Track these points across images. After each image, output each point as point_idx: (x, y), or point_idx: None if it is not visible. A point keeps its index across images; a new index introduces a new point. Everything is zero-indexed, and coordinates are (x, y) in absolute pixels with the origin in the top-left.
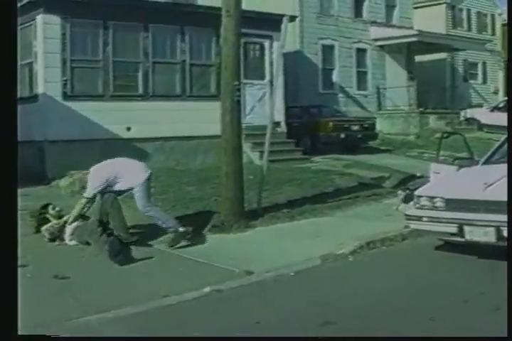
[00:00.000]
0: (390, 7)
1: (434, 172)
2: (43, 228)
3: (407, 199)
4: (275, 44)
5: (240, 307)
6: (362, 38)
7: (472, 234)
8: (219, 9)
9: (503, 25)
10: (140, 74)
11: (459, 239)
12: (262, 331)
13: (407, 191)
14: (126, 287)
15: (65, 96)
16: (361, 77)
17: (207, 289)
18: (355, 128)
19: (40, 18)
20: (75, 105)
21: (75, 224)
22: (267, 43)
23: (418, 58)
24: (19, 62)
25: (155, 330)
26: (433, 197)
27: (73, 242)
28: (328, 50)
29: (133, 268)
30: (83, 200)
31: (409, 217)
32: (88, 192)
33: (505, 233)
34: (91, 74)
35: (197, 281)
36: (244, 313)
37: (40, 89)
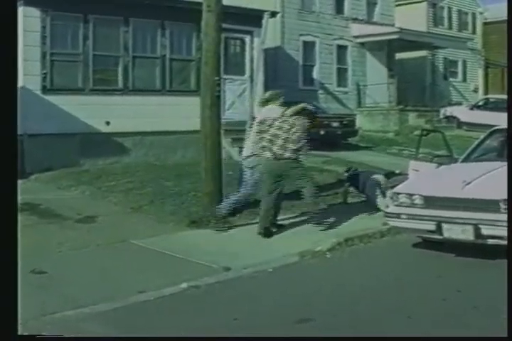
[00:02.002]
0: (371, 4)
1: (413, 169)
2: None
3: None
4: (256, 40)
5: (217, 304)
6: (343, 35)
7: (450, 232)
8: (200, 4)
9: (484, 23)
10: (120, 69)
11: (437, 236)
12: (239, 327)
13: (351, 171)
14: (103, 282)
15: (45, 89)
16: (341, 73)
17: (184, 285)
18: (335, 124)
19: (20, 10)
20: (54, 99)
21: None
22: (247, 39)
23: (399, 56)
24: None
25: (132, 326)
26: (412, 195)
27: None
28: (308, 47)
29: (110, 263)
30: None
31: (387, 214)
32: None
33: (483, 231)
34: (71, 68)
35: (174, 277)
36: (221, 309)
37: (19, 82)
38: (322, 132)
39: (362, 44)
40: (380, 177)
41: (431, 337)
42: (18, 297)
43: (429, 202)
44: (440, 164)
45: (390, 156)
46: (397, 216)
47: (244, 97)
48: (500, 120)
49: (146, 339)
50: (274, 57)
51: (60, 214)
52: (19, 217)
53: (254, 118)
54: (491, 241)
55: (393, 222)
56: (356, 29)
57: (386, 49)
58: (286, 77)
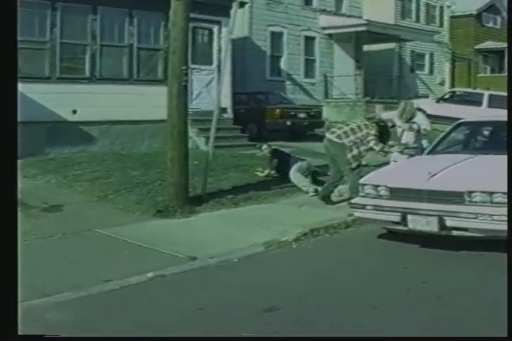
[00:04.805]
0: None
1: (394, 160)
2: None
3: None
4: (224, 29)
5: (182, 293)
6: (311, 26)
7: (415, 223)
8: None
9: (452, 17)
10: (87, 57)
11: (401, 227)
12: (204, 317)
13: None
14: (69, 271)
15: None
16: (309, 64)
17: (150, 274)
18: (302, 115)
19: None
20: (20, 87)
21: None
22: (215, 29)
23: (366, 48)
24: None
25: (97, 315)
26: (377, 186)
27: None
28: (276, 37)
29: (76, 252)
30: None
31: (353, 205)
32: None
33: (447, 222)
34: (38, 56)
35: (140, 266)
36: (187, 299)
37: None
38: (288, 123)
39: (330, 35)
40: (303, 164)
41: (431, 337)
42: (18, 297)
43: (395, 193)
44: (410, 155)
45: None
46: (363, 207)
47: (211, 87)
48: (465, 113)
49: (146, 339)
50: (241, 48)
51: (25, 202)
52: None
53: None
54: (455, 233)
55: (358, 213)
56: (324, 20)
57: (354, 41)
58: (253, 67)
